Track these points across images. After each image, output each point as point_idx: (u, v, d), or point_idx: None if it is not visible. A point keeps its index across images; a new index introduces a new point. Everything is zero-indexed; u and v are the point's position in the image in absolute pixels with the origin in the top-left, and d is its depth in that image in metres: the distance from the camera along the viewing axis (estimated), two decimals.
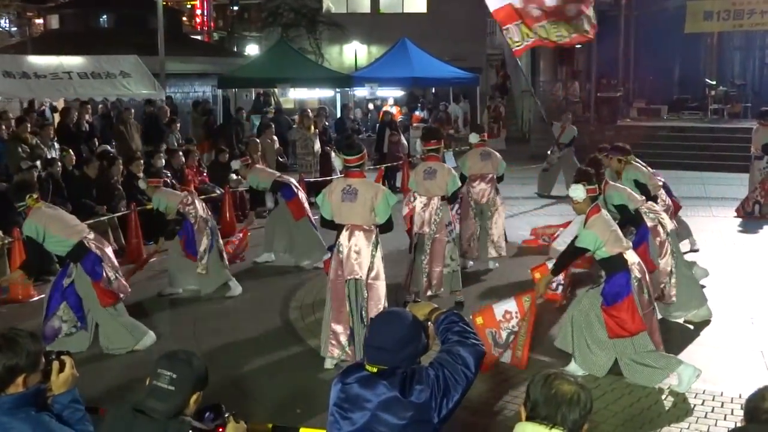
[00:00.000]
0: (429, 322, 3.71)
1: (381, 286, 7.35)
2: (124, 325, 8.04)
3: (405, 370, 3.43)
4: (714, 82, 25.00)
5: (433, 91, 28.44)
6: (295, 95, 26.77)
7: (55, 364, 3.67)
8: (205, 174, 15.05)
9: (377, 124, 22.06)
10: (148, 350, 7.92)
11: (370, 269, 7.25)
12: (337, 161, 7.86)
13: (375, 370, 3.45)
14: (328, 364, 7.40)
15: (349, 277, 7.24)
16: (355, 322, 7.25)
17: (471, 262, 10.89)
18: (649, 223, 8.42)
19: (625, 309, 6.72)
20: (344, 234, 7.32)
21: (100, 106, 18.88)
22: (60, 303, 7.83)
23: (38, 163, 12.87)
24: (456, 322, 3.73)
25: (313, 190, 17.20)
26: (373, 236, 7.32)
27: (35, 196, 7.78)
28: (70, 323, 7.89)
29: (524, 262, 10.77)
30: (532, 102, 24.82)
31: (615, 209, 8.34)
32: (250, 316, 9.26)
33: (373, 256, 7.26)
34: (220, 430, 3.40)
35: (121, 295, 8.05)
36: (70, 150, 13.36)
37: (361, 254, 7.26)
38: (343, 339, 7.33)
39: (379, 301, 7.30)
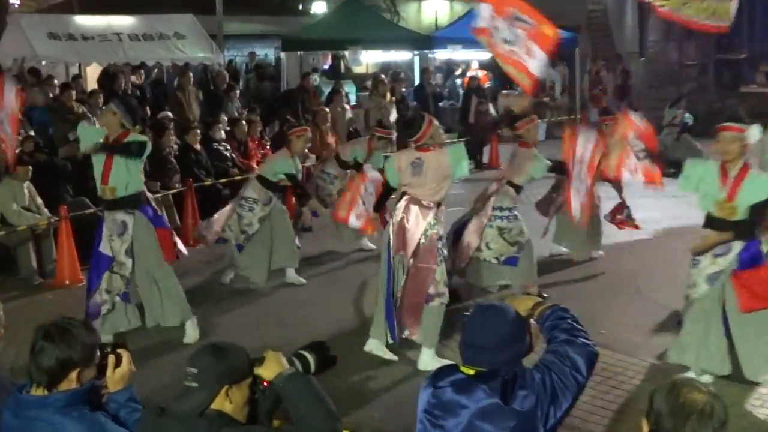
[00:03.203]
0: (532, 319, 3.66)
1: (426, 275, 7.36)
2: (180, 294, 8.25)
3: (506, 374, 3.38)
4: None
5: None
6: (368, 58, 26.74)
7: (111, 359, 3.71)
8: (268, 147, 15.14)
9: (462, 92, 21.92)
10: (205, 341, 8.01)
11: (415, 252, 7.33)
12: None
13: (472, 372, 3.41)
14: (368, 345, 7.77)
15: (394, 254, 7.43)
16: (384, 303, 7.44)
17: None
18: None
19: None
20: (400, 205, 7.55)
21: (156, 70, 19.12)
22: (104, 271, 7.95)
23: None
24: (564, 318, 3.66)
25: None
26: (431, 215, 7.37)
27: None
28: (114, 293, 7.98)
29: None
30: (639, 65, 24.37)
31: None
32: (320, 307, 9.34)
33: (424, 236, 7.31)
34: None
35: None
36: None
37: (409, 232, 7.39)
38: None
39: (418, 292, 7.36)
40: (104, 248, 7.91)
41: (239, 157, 13.99)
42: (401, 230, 7.45)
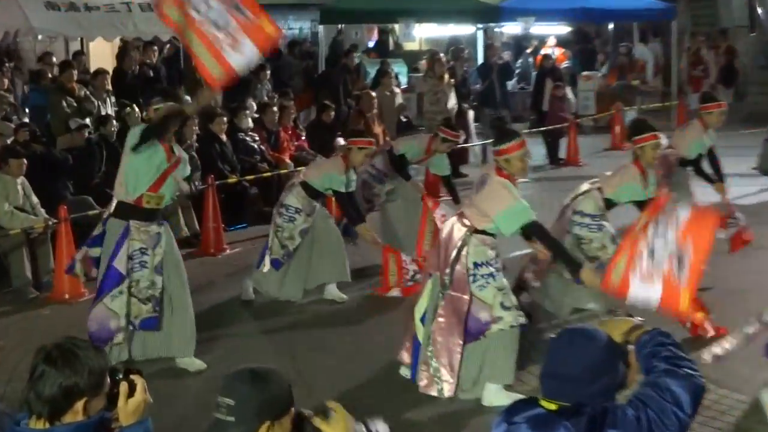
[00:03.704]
0: (628, 345, 3.65)
1: (459, 305, 7.41)
2: (193, 323, 8.34)
3: (594, 409, 3.37)
4: None
5: (611, 27, 27.93)
6: (422, 33, 26.73)
7: (123, 386, 3.72)
8: (303, 138, 15.22)
9: (534, 73, 21.82)
10: (229, 367, 8.04)
11: (450, 276, 7.43)
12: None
13: (554, 407, 3.42)
14: (403, 371, 7.82)
15: (432, 273, 7.58)
16: (418, 331, 7.51)
17: None
18: None
19: None
20: (449, 220, 7.70)
21: (168, 46, 19.27)
22: (112, 289, 7.92)
23: (88, 121, 13.28)
24: (664, 344, 3.64)
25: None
26: (474, 239, 7.45)
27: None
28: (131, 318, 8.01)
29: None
30: (748, 42, 24.11)
31: None
32: (364, 329, 9.40)
33: (457, 260, 7.40)
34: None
35: None
36: (134, 105, 13.71)
37: (446, 251, 7.49)
38: (434, 366, 7.53)
39: (451, 325, 7.42)
40: (119, 263, 7.93)
41: (269, 150, 14.07)
42: (441, 246, 7.58)
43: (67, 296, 10.30)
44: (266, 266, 9.91)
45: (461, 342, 7.43)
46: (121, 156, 8.06)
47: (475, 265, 7.45)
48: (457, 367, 7.46)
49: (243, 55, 7.31)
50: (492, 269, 7.47)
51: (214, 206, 12.26)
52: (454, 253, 7.44)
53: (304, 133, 15.38)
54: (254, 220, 13.30)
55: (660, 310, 6.93)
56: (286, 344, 8.97)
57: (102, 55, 18.39)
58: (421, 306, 7.61)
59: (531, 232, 7.47)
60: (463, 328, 7.42)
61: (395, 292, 10.29)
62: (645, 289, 6.45)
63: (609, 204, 9.12)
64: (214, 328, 8.56)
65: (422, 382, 7.61)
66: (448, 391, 7.48)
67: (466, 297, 7.42)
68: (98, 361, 3.57)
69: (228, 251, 12.25)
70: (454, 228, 7.56)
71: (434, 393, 7.51)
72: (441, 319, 7.49)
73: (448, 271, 7.45)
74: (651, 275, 6.47)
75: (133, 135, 7.74)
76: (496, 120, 7.54)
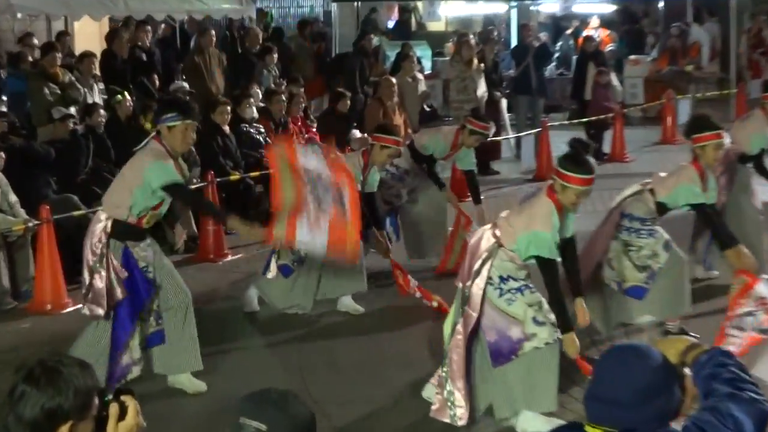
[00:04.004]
0: (685, 367, 3.66)
1: (468, 322, 7.42)
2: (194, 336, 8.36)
3: None
4: None
5: (662, 5, 27.87)
6: (448, 11, 26.75)
7: (114, 408, 3.71)
8: (314, 129, 15.23)
9: (575, 57, 21.78)
10: (231, 387, 8.06)
11: (468, 290, 7.42)
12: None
13: None
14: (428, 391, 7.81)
15: (459, 282, 7.64)
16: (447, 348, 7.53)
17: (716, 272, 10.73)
18: None
19: None
20: (482, 228, 7.76)
21: (163, 26, 19.32)
22: (139, 312, 8.03)
23: (73, 110, 13.30)
24: (725, 365, 3.65)
25: (475, 155, 17.14)
26: (501, 252, 7.45)
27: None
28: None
29: None
30: None
31: None
32: (382, 345, 9.39)
33: (479, 273, 7.40)
34: None
35: None
36: (125, 93, 13.74)
37: (471, 261, 7.54)
38: (448, 389, 7.52)
39: (464, 344, 7.41)
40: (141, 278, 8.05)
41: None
42: (468, 255, 7.65)
43: (49, 307, 10.30)
44: (272, 272, 9.90)
45: (465, 366, 7.42)
46: (123, 170, 8.16)
47: (501, 279, 7.44)
48: (469, 391, 7.44)
49: (312, 238, 7.79)
50: (520, 283, 7.46)
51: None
52: (477, 265, 7.45)
53: (315, 125, 15.38)
54: (258, 221, 13.31)
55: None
56: (294, 362, 8.97)
57: (89, 36, 18.42)
58: (449, 321, 7.63)
59: (543, 268, 7.40)
60: (465, 347, 7.42)
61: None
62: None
63: (662, 208, 9.06)
64: (214, 343, 8.56)
65: (434, 406, 7.56)
66: (460, 418, 7.42)
67: (474, 314, 7.41)
68: (85, 380, 3.55)
69: (229, 257, 12.26)
70: (483, 237, 7.57)
71: (446, 419, 7.46)
72: (458, 337, 7.48)
73: (468, 283, 7.47)
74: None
75: (156, 175, 7.75)
76: (577, 143, 7.40)
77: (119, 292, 7.81)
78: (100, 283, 7.83)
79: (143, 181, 7.74)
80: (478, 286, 7.41)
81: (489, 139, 15.74)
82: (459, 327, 7.46)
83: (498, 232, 7.49)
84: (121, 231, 7.90)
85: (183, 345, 8.23)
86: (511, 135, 18.42)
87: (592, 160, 7.45)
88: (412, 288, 10.01)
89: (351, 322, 10.04)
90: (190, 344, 8.25)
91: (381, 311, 10.31)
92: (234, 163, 13.25)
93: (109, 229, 7.90)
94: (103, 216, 7.94)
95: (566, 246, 7.59)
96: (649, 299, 8.99)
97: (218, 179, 12.44)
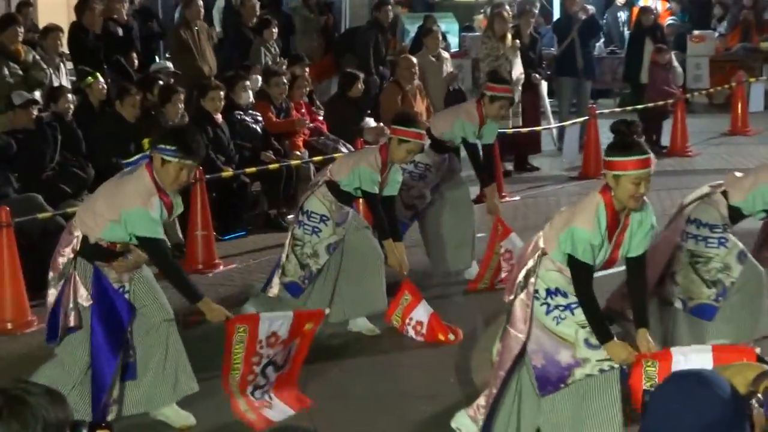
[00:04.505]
0: (754, 399, 3.66)
1: (512, 344, 7.41)
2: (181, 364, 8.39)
3: None
4: None
5: None
6: None
7: None
8: (321, 117, 15.24)
9: (628, 32, 21.78)
10: (222, 418, 8.09)
11: (510, 306, 7.44)
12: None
13: None
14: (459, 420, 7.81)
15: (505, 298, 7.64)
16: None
17: None
18: None
19: None
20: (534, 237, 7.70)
21: None
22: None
23: (38, 94, 13.32)
24: None
25: (510, 149, 17.17)
26: (546, 261, 7.44)
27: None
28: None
29: None
30: None
31: None
32: (401, 373, 9.45)
33: (524, 287, 7.40)
34: None
35: None
36: (98, 74, 13.76)
37: (516, 272, 7.55)
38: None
39: (500, 369, 7.43)
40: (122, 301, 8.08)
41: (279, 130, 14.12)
42: (515, 266, 7.72)
43: (10, 326, 10.35)
44: (274, 289, 9.95)
45: (494, 392, 7.42)
46: (99, 194, 8.09)
47: (548, 292, 7.42)
48: (482, 418, 7.49)
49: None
50: (570, 299, 7.44)
51: (204, 208, 12.24)
52: (521, 276, 7.44)
53: (322, 112, 15.39)
54: (256, 226, 13.36)
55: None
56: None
57: (54, 6, 18.47)
58: (497, 342, 7.64)
59: (573, 269, 7.38)
60: (505, 375, 7.40)
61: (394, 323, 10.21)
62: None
63: (736, 213, 9.03)
64: (203, 369, 8.54)
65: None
66: None
67: (522, 337, 7.41)
68: (56, 412, 3.58)
69: (221, 267, 12.30)
70: (530, 246, 7.56)
71: None
72: (497, 359, 7.52)
73: (511, 298, 7.46)
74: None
75: (135, 224, 7.75)
76: (621, 124, 7.33)
77: (71, 320, 7.84)
78: (50, 298, 7.94)
79: (120, 219, 7.75)
80: (522, 301, 7.40)
81: (528, 129, 15.84)
82: (499, 345, 7.49)
83: (542, 240, 7.52)
84: (90, 251, 7.92)
85: (166, 373, 8.27)
86: (553, 124, 18.43)
87: (643, 142, 7.42)
88: (406, 327, 10.03)
89: (364, 344, 10.06)
90: (175, 371, 8.28)
91: (392, 331, 10.27)
92: (226, 158, 13.25)
93: (77, 247, 7.93)
94: (74, 230, 7.97)
95: (633, 264, 7.47)
96: (720, 319, 8.98)
97: (207, 176, 12.38)
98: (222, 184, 13.04)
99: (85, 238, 7.90)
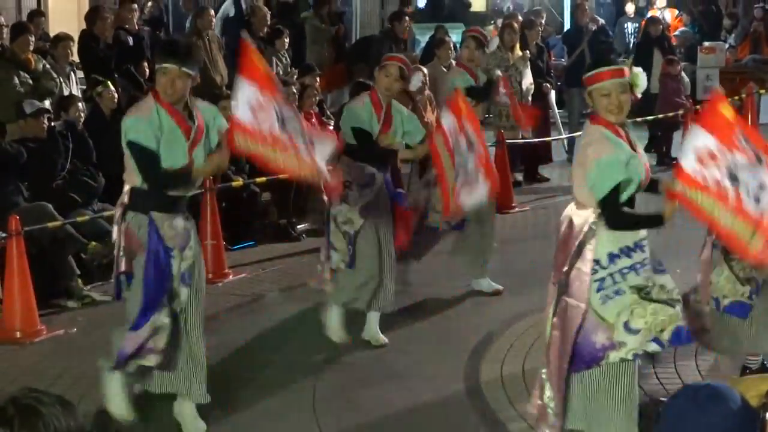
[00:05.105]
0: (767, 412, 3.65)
1: (573, 315, 7.32)
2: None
3: None
4: None
5: None
6: None
7: None
8: (331, 127, 15.25)
9: (636, 42, 21.79)
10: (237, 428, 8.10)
11: (566, 277, 7.35)
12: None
13: None
14: None
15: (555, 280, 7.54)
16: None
17: None
18: None
19: None
20: (566, 211, 7.65)
21: (149, 3, 19.40)
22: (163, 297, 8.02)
23: (48, 103, 13.34)
24: None
25: (520, 159, 17.19)
26: (599, 228, 7.33)
27: None
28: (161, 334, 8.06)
29: None
30: None
31: None
32: (414, 380, 9.38)
33: (579, 255, 7.32)
34: None
35: None
36: (109, 83, 13.76)
37: (566, 246, 7.43)
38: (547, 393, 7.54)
39: (562, 340, 7.36)
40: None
41: None
42: (560, 246, 7.55)
43: (19, 334, 10.35)
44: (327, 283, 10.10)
45: (566, 366, 7.38)
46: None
47: (611, 257, 7.35)
48: (563, 397, 7.43)
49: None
50: (635, 259, 7.36)
51: (213, 218, 12.31)
52: (575, 245, 7.34)
53: (332, 121, 15.40)
54: (265, 235, 13.35)
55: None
56: (307, 403, 8.93)
57: (65, 15, 18.49)
58: (548, 319, 7.57)
59: (605, 204, 7.29)
60: (571, 347, 7.35)
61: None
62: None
63: None
64: (213, 381, 8.55)
65: (533, 411, 7.65)
66: (553, 427, 7.49)
67: (583, 306, 7.33)
68: (67, 421, 3.58)
69: (231, 277, 12.33)
70: (573, 218, 7.46)
71: (548, 430, 7.51)
72: (555, 332, 7.42)
73: (565, 269, 7.37)
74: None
75: (127, 127, 7.96)
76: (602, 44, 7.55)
77: (122, 265, 7.95)
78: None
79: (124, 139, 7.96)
80: (579, 271, 7.34)
81: (539, 140, 15.84)
82: (556, 320, 7.41)
83: (574, 210, 7.47)
84: (141, 199, 7.93)
85: (197, 363, 8.26)
86: (563, 135, 18.42)
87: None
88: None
89: (376, 355, 10.04)
90: (200, 366, 8.27)
91: (410, 340, 10.34)
92: (236, 167, 13.26)
93: (126, 200, 8.00)
94: (125, 186, 8.09)
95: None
96: (746, 324, 8.91)
97: (218, 185, 12.48)
98: (232, 193, 13.06)
99: (131, 190, 7.97)
